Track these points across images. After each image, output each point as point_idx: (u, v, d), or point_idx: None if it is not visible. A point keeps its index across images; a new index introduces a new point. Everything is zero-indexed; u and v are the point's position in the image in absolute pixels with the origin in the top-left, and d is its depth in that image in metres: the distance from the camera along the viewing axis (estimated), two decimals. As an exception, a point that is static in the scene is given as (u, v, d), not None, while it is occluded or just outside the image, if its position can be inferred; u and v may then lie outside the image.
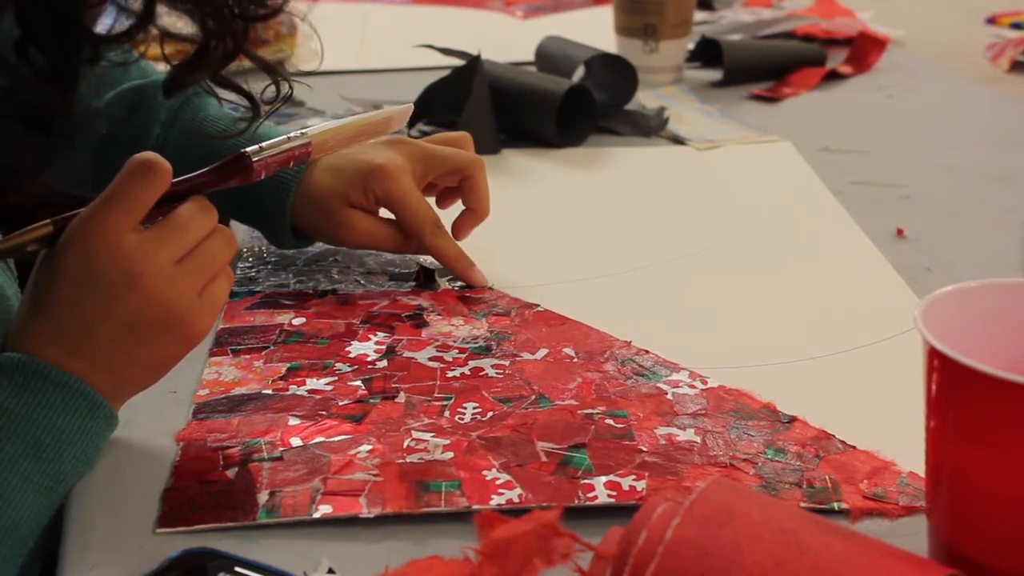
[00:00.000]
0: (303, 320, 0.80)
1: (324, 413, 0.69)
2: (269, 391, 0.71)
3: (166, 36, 0.70)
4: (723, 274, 0.89)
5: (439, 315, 0.81)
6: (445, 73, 1.19)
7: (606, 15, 1.45)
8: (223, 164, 0.67)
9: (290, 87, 0.77)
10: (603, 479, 0.62)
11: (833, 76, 1.41)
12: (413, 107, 0.80)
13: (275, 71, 0.76)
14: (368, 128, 0.75)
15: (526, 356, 0.76)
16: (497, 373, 0.74)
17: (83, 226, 0.62)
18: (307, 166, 0.85)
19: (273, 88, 0.76)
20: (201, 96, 0.88)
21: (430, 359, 0.75)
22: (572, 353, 0.76)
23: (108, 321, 0.61)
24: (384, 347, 0.77)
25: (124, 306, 0.61)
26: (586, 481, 0.62)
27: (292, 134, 0.70)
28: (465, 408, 0.69)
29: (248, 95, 0.76)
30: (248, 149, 0.67)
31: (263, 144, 0.68)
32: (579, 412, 0.69)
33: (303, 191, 0.85)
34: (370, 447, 0.65)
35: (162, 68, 0.82)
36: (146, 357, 0.63)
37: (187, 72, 0.73)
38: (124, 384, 0.63)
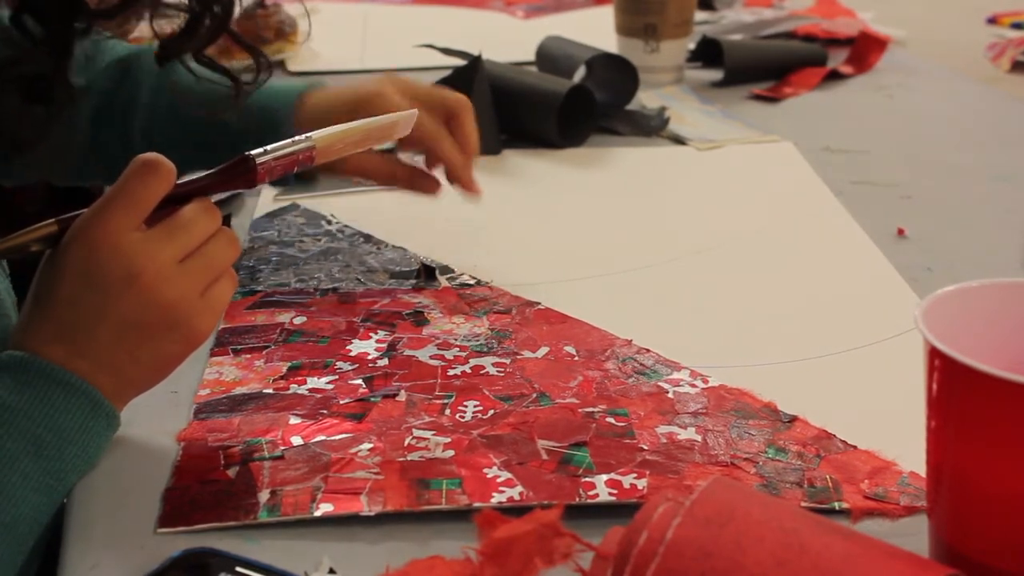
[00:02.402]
0: (304, 319, 0.80)
1: (325, 412, 0.69)
2: (270, 390, 0.71)
3: (157, 6, 0.72)
4: (723, 274, 0.89)
5: (440, 313, 0.81)
6: (446, 73, 1.19)
7: (607, 15, 1.45)
8: (227, 167, 0.67)
9: (270, 69, 0.80)
10: (604, 477, 0.62)
11: (834, 76, 1.41)
12: (417, 112, 0.79)
13: (257, 51, 0.79)
14: (374, 132, 0.74)
15: (527, 354, 0.76)
16: (498, 371, 0.74)
17: (86, 224, 0.62)
18: (299, 100, 0.88)
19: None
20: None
21: (431, 357, 0.75)
22: (573, 351, 0.76)
23: (109, 320, 0.61)
24: (385, 345, 0.77)
25: (125, 305, 0.61)
26: (587, 479, 0.62)
27: (297, 137, 0.69)
28: (466, 406, 0.69)
29: (232, 76, 0.78)
30: (252, 152, 0.67)
31: (267, 147, 0.67)
32: (580, 410, 0.69)
33: (297, 123, 0.87)
34: (371, 445, 0.65)
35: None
36: (148, 357, 0.63)
37: (176, 45, 0.77)
38: (126, 384, 0.63)
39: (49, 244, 0.63)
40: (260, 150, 0.67)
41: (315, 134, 0.69)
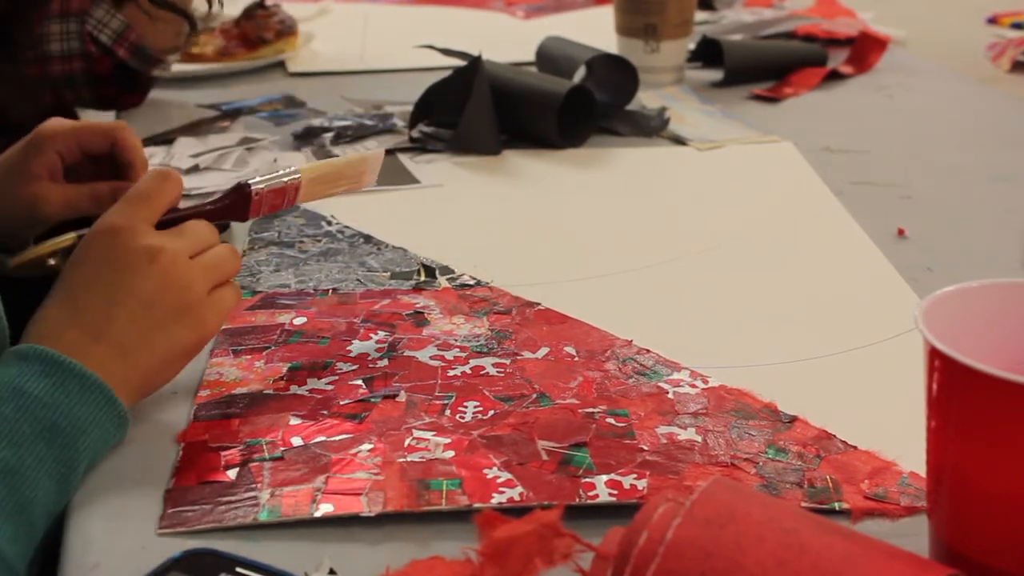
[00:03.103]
0: (304, 320, 0.80)
1: (325, 412, 0.69)
2: (270, 391, 0.71)
3: None
4: (723, 274, 0.89)
5: (440, 313, 0.81)
6: (446, 74, 1.19)
7: (607, 15, 1.45)
8: (224, 195, 0.73)
9: (221, 4, 0.86)
10: (604, 478, 0.62)
11: (834, 76, 1.41)
12: (384, 153, 0.82)
13: (183, 13, 0.87)
14: (345, 169, 0.79)
15: (527, 355, 0.76)
16: (498, 372, 0.74)
17: (104, 219, 0.67)
18: None
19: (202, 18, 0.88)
20: None
21: (431, 358, 0.75)
22: (573, 352, 0.76)
23: (126, 300, 0.64)
24: (385, 346, 0.77)
25: (143, 283, 0.65)
26: (587, 480, 0.62)
27: (285, 168, 0.75)
28: (466, 407, 0.69)
29: (185, 13, 0.83)
30: (249, 180, 0.72)
31: (259, 176, 0.73)
32: (580, 411, 0.69)
33: None
34: (371, 446, 0.65)
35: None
36: (161, 343, 0.65)
37: None
38: (138, 375, 0.65)
39: (68, 256, 0.67)
40: (255, 178, 0.73)
41: (298, 166, 0.75)
